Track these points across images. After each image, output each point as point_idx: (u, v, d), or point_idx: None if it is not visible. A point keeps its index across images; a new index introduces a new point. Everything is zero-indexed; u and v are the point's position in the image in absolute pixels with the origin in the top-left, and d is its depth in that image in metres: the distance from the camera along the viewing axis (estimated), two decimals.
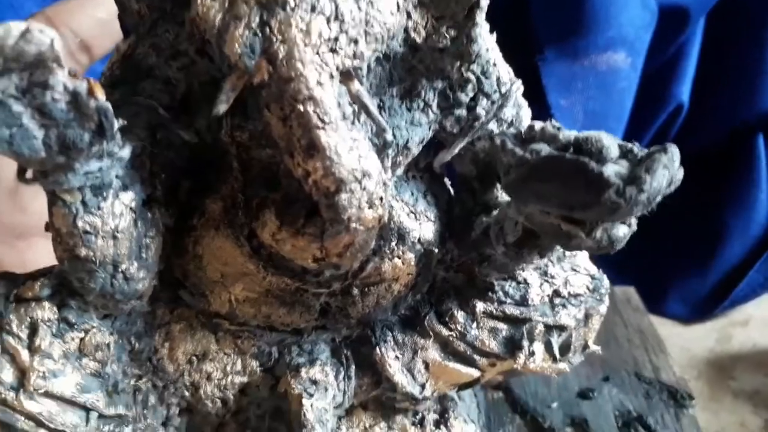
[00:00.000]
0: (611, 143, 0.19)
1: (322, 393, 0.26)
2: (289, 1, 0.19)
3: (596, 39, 0.42)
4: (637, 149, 0.19)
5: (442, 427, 0.30)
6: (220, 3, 0.20)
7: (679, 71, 0.49)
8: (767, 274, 0.48)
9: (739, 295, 0.48)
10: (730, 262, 0.49)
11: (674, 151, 0.19)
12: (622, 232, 0.21)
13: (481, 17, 0.23)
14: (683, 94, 0.49)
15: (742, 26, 0.50)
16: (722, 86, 0.50)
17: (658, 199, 0.19)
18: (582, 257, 0.30)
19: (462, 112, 0.25)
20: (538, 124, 0.21)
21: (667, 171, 0.18)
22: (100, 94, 0.19)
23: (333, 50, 0.20)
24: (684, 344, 0.46)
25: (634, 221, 0.21)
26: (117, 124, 0.19)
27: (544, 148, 0.19)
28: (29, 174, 0.20)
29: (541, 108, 0.43)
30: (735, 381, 0.43)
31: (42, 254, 0.39)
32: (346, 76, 0.21)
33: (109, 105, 0.19)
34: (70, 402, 0.23)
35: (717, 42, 0.50)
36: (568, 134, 0.20)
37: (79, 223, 0.21)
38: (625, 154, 0.19)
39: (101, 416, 0.24)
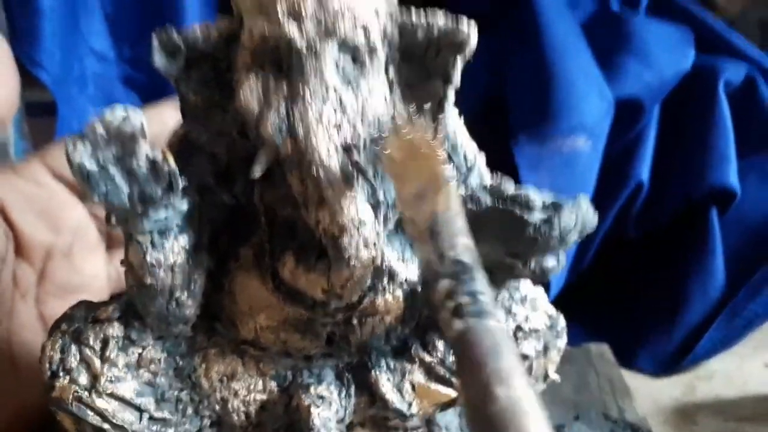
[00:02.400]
0: (536, 197, 0.26)
1: (327, 406, 0.31)
2: (307, 96, 0.27)
3: (560, 126, 0.50)
4: (554, 204, 0.26)
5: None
6: (257, 96, 0.28)
7: (638, 153, 0.56)
8: (725, 332, 0.54)
9: (701, 351, 0.53)
10: (693, 322, 0.54)
11: (581, 200, 0.26)
12: (551, 263, 0.27)
13: (449, 107, 0.31)
14: (643, 173, 0.56)
15: (692, 114, 0.58)
16: (678, 165, 0.57)
17: (573, 236, 0.26)
18: (541, 300, 0.36)
19: None
20: (491, 183, 0.29)
21: (574, 215, 0.25)
22: (171, 161, 0.26)
23: (338, 130, 0.27)
24: (652, 394, 0.51)
25: (562, 256, 0.28)
26: (181, 184, 0.27)
27: (486, 200, 0.26)
28: (114, 220, 0.27)
29: (514, 183, 0.50)
30: (697, 426, 0.48)
31: None
32: (348, 149, 0.28)
33: (176, 169, 0.26)
34: (129, 403, 0.29)
35: (671, 127, 0.58)
36: (507, 189, 0.27)
37: (148, 258, 0.28)
38: (547, 206, 0.26)
39: (151, 418, 0.30)
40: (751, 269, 0.54)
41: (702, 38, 0.60)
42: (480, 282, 0.21)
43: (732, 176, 0.55)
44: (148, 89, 0.64)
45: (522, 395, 0.17)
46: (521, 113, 0.53)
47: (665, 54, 0.57)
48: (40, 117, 0.63)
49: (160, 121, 0.45)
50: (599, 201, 0.55)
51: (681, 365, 0.53)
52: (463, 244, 0.22)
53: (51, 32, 0.56)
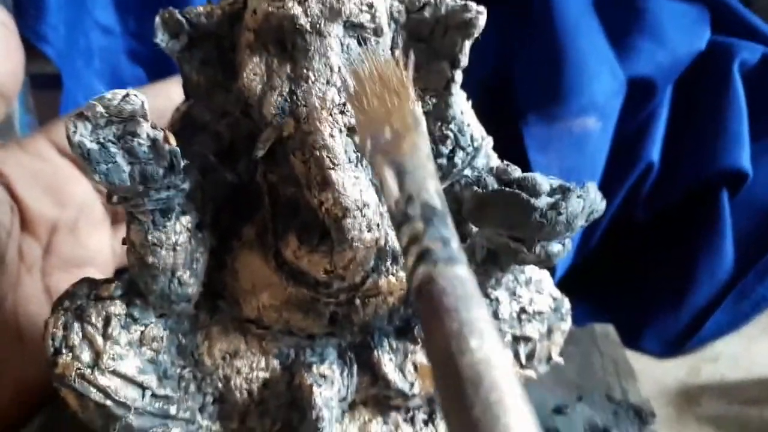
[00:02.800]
0: (543, 181, 0.26)
1: (329, 385, 0.31)
2: (310, 76, 0.27)
3: (570, 105, 0.49)
4: (562, 187, 0.26)
5: (429, 425, 0.36)
6: (260, 76, 0.27)
7: (649, 133, 0.55)
8: (733, 315, 0.53)
9: (707, 333, 0.53)
10: (699, 303, 0.54)
11: (589, 186, 0.25)
12: (557, 248, 0.27)
13: (456, 88, 0.30)
14: (654, 154, 0.55)
15: (705, 94, 0.57)
16: (689, 147, 0.56)
17: (580, 222, 0.25)
18: (546, 282, 0.36)
19: (443, 161, 0.31)
20: (498, 165, 0.28)
21: (582, 200, 0.25)
22: (172, 141, 0.26)
23: (342, 112, 0.27)
24: (657, 376, 0.51)
25: (568, 241, 0.28)
26: (182, 163, 0.27)
27: (492, 184, 0.26)
28: (115, 198, 0.27)
29: (523, 164, 0.50)
30: (700, 407, 0.47)
31: None
32: (352, 131, 0.28)
33: (178, 149, 0.26)
34: (131, 380, 0.29)
35: (684, 108, 0.57)
36: (514, 173, 0.26)
37: (150, 237, 0.28)
38: (554, 190, 0.26)
39: (153, 395, 0.30)
40: (760, 252, 0.53)
41: (718, 17, 0.59)
42: (451, 228, 0.20)
43: (744, 158, 0.54)
44: (153, 63, 0.64)
45: (495, 349, 0.16)
46: (530, 93, 0.52)
47: (679, 33, 0.55)
48: (46, 90, 0.63)
49: (167, 97, 0.45)
50: (608, 181, 0.55)
51: (687, 347, 0.53)
52: (433, 188, 0.21)
53: (56, 6, 0.55)
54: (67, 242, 0.45)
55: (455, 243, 0.19)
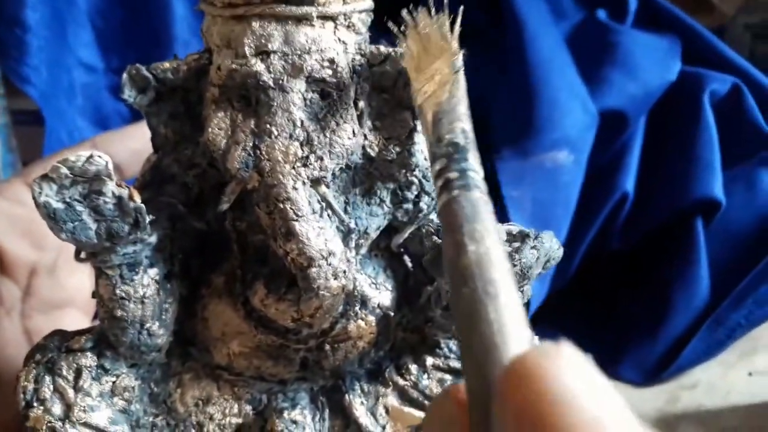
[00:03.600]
0: (501, 232, 0.26)
1: (301, 430, 0.32)
2: (273, 131, 0.27)
3: (543, 140, 0.50)
4: (521, 234, 0.27)
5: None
6: (224, 131, 0.28)
7: (623, 164, 0.56)
8: (709, 342, 0.54)
9: (684, 361, 0.53)
10: (676, 331, 0.54)
11: (544, 236, 0.26)
12: None
13: (418, 137, 0.31)
14: (628, 184, 0.56)
15: (677, 125, 0.58)
16: (663, 176, 0.57)
17: (535, 270, 0.26)
18: None
19: (409, 206, 0.32)
20: None
21: (536, 251, 0.25)
22: (137, 198, 0.26)
23: (305, 165, 0.28)
24: (635, 404, 0.51)
25: (527, 287, 0.28)
26: (148, 219, 0.27)
27: None
28: (83, 255, 0.28)
29: (496, 197, 0.50)
30: None
31: (73, 321, 0.46)
32: (316, 182, 0.28)
33: (143, 206, 0.26)
34: (103, 431, 0.30)
35: (657, 138, 0.58)
36: None
37: (117, 292, 0.28)
38: (513, 237, 0.27)
39: None
40: (736, 279, 0.54)
41: (689, 48, 0.60)
42: (471, 160, 0.23)
43: (717, 187, 0.55)
44: None
45: (491, 249, 0.19)
46: (504, 128, 0.53)
47: (650, 66, 0.57)
48: (28, 125, 0.63)
49: (143, 137, 0.46)
50: (583, 212, 0.56)
51: (665, 375, 0.53)
52: (459, 128, 0.24)
53: (37, 47, 0.56)
54: (46, 284, 0.45)
55: (472, 173, 0.22)
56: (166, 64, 0.29)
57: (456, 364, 0.34)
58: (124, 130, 0.49)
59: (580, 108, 0.52)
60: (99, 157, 0.25)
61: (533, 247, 0.25)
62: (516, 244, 0.27)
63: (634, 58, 0.57)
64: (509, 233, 0.27)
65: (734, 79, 0.58)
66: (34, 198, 0.25)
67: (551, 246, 0.26)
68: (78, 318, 0.47)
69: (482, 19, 0.59)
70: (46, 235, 0.44)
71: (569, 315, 0.58)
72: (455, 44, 0.26)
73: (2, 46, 0.56)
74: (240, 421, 0.33)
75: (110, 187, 0.26)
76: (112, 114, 0.66)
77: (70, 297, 0.47)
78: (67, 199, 0.25)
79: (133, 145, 0.47)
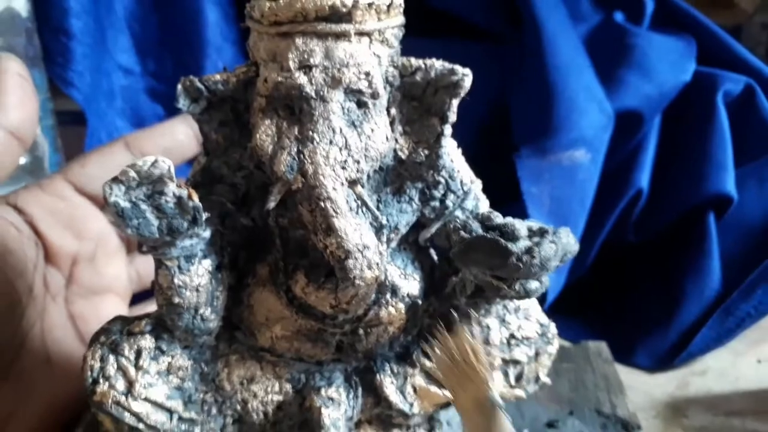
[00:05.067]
0: (521, 226, 0.29)
1: (337, 407, 0.35)
2: (315, 137, 0.30)
3: (561, 139, 0.53)
4: (540, 230, 0.29)
5: None
6: (271, 137, 0.31)
7: (638, 162, 0.59)
8: (719, 331, 0.56)
9: (695, 348, 0.55)
10: (688, 321, 0.57)
11: (562, 231, 0.29)
12: (534, 285, 0.30)
13: (446, 140, 0.33)
14: (643, 180, 0.58)
15: (691, 124, 0.60)
16: (677, 173, 0.59)
17: (554, 263, 0.29)
18: (534, 309, 0.39)
19: (436, 203, 0.35)
20: (483, 212, 0.32)
21: (554, 245, 0.28)
22: (195, 197, 0.30)
23: (343, 167, 0.31)
24: (647, 390, 0.54)
25: (545, 278, 0.31)
26: (204, 216, 0.30)
27: (476, 229, 0.29)
28: (145, 248, 0.31)
29: (515, 194, 0.53)
30: (687, 419, 0.50)
31: (112, 306, 0.49)
32: (353, 183, 0.31)
33: (200, 204, 0.30)
34: (161, 406, 0.32)
35: (671, 137, 0.60)
36: (496, 219, 0.30)
37: (176, 281, 0.31)
38: (533, 232, 0.29)
39: (180, 418, 0.33)
40: (746, 271, 0.56)
41: (705, 48, 0.62)
42: None
43: (729, 183, 0.57)
44: (170, 99, 0.68)
45: None
46: (524, 128, 0.55)
47: (666, 67, 0.59)
48: (71, 125, 0.67)
49: (171, 136, 0.50)
50: (600, 207, 0.58)
51: (676, 361, 0.56)
52: None
53: (81, 54, 0.60)
54: (87, 272, 0.49)
55: None
56: (217, 76, 0.32)
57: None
58: (153, 128, 0.52)
59: (597, 109, 0.55)
60: (162, 161, 0.28)
61: (552, 242, 0.28)
62: (536, 239, 0.29)
63: (650, 59, 0.59)
64: (530, 229, 0.30)
65: (747, 80, 0.60)
66: (104, 197, 0.28)
67: (568, 241, 0.29)
68: (116, 303, 0.50)
69: (501, 21, 0.61)
70: (85, 226, 0.48)
71: (586, 304, 0.60)
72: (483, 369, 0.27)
73: (49, 54, 0.60)
74: (281, 398, 0.36)
75: (171, 188, 0.29)
76: (149, 115, 0.70)
77: (109, 284, 0.50)
78: (134, 199, 0.28)
79: (162, 142, 0.50)
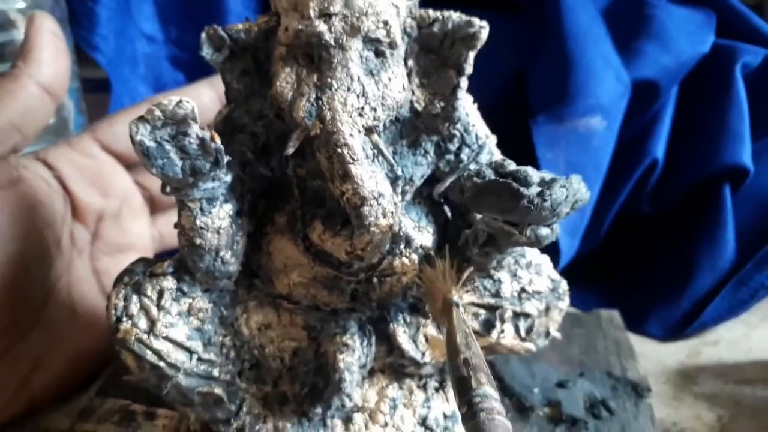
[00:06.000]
0: (533, 173, 0.30)
1: (351, 352, 0.36)
2: (333, 84, 0.31)
3: (577, 106, 0.53)
4: (552, 179, 0.30)
5: (440, 391, 0.40)
6: (291, 85, 0.32)
7: (654, 132, 0.59)
8: (732, 302, 0.56)
9: (707, 319, 0.56)
10: (701, 291, 0.57)
11: (573, 178, 0.29)
12: (545, 232, 0.31)
13: (461, 93, 0.34)
14: (658, 151, 0.58)
15: (708, 95, 0.60)
16: (693, 144, 0.59)
17: (564, 209, 0.29)
18: (546, 266, 0.40)
19: (451, 157, 0.36)
20: (496, 160, 0.33)
21: (565, 189, 0.28)
22: (218, 139, 0.31)
23: (360, 115, 0.31)
24: (659, 357, 0.54)
25: (556, 226, 0.32)
26: (225, 159, 0.31)
27: (489, 174, 0.30)
28: (168, 189, 0.32)
29: (531, 159, 0.54)
30: (697, 386, 0.51)
31: None
32: (369, 131, 0.32)
33: (222, 147, 0.31)
34: (181, 345, 0.34)
35: (688, 108, 0.60)
36: (509, 166, 0.31)
37: (198, 222, 0.32)
38: (544, 181, 0.30)
39: (200, 358, 0.34)
40: (760, 243, 0.56)
41: (723, 21, 0.62)
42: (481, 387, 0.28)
43: (746, 155, 0.57)
44: (192, 68, 0.69)
45: None
46: (541, 95, 0.56)
47: (684, 38, 0.59)
48: (96, 92, 0.68)
49: (197, 97, 0.51)
50: (615, 177, 0.59)
51: (688, 331, 0.56)
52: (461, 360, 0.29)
53: (106, 18, 0.61)
54: (111, 229, 0.50)
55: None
56: (239, 26, 0.33)
57: (490, 300, 0.38)
58: (179, 91, 0.54)
59: (613, 77, 0.55)
60: (187, 102, 0.29)
61: (563, 186, 0.29)
62: (543, 187, 0.30)
63: (668, 30, 0.59)
64: (542, 178, 0.30)
65: (766, 51, 0.60)
66: (130, 136, 0.29)
67: (579, 187, 0.29)
68: None
69: None
70: (111, 184, 0.50)
71: (600, 273, 0.61)
72: (451, 284, 0.33)
73: (75, 17, 0.61)
74: (297, 344, 0.37)
75: (195, 129, 0.30)
76: (170, 82, 0.71)
77: (132, 242, 0.52)
78: (158, 139, 0.29)
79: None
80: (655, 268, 0.60)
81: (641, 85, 0.56)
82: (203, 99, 0.51)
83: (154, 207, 0.54)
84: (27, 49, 0.41)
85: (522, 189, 0.28)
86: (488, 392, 0.27)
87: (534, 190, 0.29)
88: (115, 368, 0.46)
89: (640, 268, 0.60)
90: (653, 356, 0.55)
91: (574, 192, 0.29)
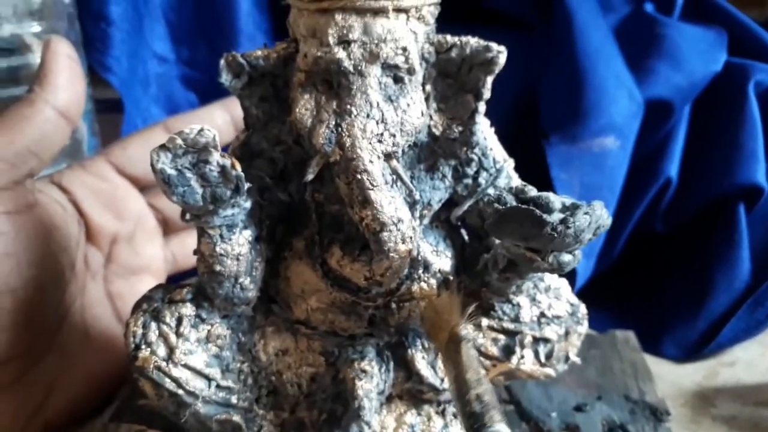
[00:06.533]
0: (555, 199, 0.29)
1: (369, 379, 0.35)
2: (353, 111, 0.31)
3: (590, 126, 0.53)
4: (573, 204, 0.30)
5: (459, 417, 0.40)
6: (310, 111, 0.32)
7: (668, 151, 0.59)
8: (749, 322, 0.56)
9: (723, 339, 0.55)
10: (717, 311, 0.56)
11: (596, 204, 0.29)
12: (568, 258, 0.31)
13: (480, 117, 0.34)
14: (672, 170, 0.58)
15: (721, 114, 0.60)
16: (707, 163, 0.59)
17: (587, 235, 0.29)
18: (564, 290, 0.40)
19: (468, 181, 0.36)
20: (517, 185, 0.33)
21: (588, 216, 0.28)
22: (238, 167, 0.30)
23: (380, 141, 0.31)
24: (675, 379, 0.54)
25: (578, 252, 0.31)
26: (245, 186, 0.31)
27: (511, 201, 0.30)
28: (188, 216, 0.32)
29: (546, 180, 0.53)
30: (715, 408, 0.50)
31: (148, 286, 0.51)
32: (388, 157, 0.32)
33: (242, 174, 0.31)
34: (199, 373, 0.33)
35: (701, 126, 0.60)
36: (530, 192, 0.30)
37: (217, 249, 0.32)
38: (566, 207, 0.30)
39: (218, 386, 0.34)
40: None
41: (736, 39, 0.62)
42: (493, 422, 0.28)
43: (760, 174, 0.57)
44: (204, 88, 0.70)
45: None
46: (554, 114, 0.56)
47: (696, 57, 0.59)
48: (108, 113, 0.69)
49: (210, 120, 0.51)
50: (628, 196, 0.58)
51: (704, 352, 0.56)
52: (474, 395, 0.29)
53: (120, 40, 0.61)
54: (125, 252, 0.50)
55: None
56: (258, 52, 0.33)
57: (509, 325, 0.37)
58: (192, 113, 0.54)
59: (626, 96, 0.55)
60: (208, 130, 0.29)
61: (586, 213, 0.28)
62: (568, 213, 0.30)
63: (680, 49, 0.59)
64: (563, 203, 0.30)
65: None
66: (151, 164, 0.29)
67: (601, 214, 0.29)
68: (152, 283, 0.51)
69: (532, 11, 0.62)
70: (125, 207, 0.50)
71: (614, 293, 0.60)
72: (458, 318, 0.33)
73: (89, 39, 0.62)
74: (314, 370, 0.37)
75: (216, 157, 0.30)
76: (183, 102, 0.71)
77: (146, 264, 0.51)
78: (179, 167, 0.29)
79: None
80: (669, 288, 0.59)
81: (654, 104, 0.56)
82: (217, 121, 0.51)
83: (167, 229, 0.54)
84: (43, 73, 0.42)
85: (545, 216, 0.28)
86: (503, 431, 0.27)
87: (556, 216, 0.29)
88: (130, 392, 0.46)
89: (655, 288, 0.60)
90: (669, 378, 0.54)
91: (597, 218, 0.29)
